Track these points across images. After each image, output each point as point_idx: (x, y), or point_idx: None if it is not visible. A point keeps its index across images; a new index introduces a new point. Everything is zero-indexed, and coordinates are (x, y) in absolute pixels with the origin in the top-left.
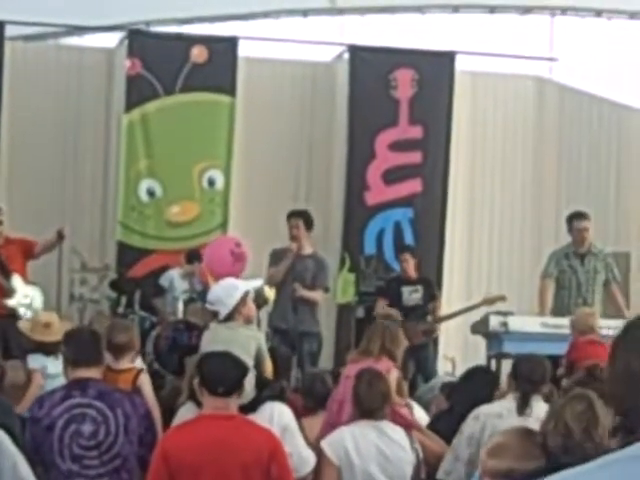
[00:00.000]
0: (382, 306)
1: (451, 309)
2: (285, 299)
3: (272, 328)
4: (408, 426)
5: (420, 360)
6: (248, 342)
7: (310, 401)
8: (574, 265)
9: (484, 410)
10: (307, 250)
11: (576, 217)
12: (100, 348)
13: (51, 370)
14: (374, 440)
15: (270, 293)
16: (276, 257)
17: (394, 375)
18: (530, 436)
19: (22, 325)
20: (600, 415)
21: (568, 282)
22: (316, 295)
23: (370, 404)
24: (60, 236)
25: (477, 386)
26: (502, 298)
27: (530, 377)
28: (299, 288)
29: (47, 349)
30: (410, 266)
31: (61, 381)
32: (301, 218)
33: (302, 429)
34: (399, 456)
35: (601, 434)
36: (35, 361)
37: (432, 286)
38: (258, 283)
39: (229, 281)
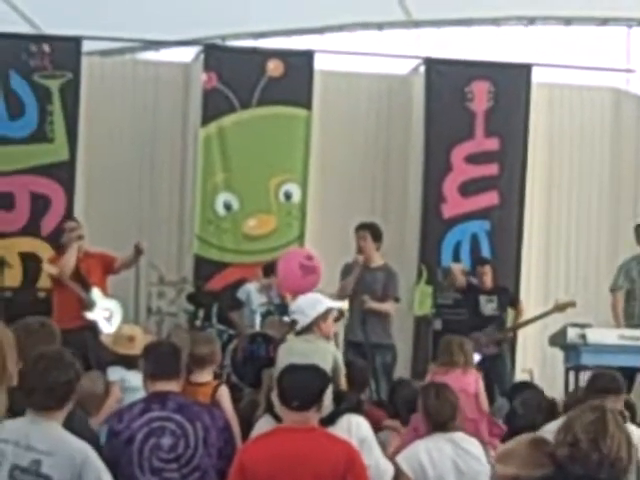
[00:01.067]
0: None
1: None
2: (355, 312)
3: (346, 341)
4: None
5: (496, 371)
6: (325, 355)
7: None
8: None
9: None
10: (376, 262)
11: None
12: (180, 361)
13: (131, 383)
14: (449, 453)
15: (345, 305)
16: (346, 270)
17: (481, 385)
18: (540, 445)
19: (105, 339)
20: (610, 426)
21: (638, 292)
22: (386, 306)
23: (440, 416)
24: (138, 250)
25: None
26: (572, 304)
27: (607, 390)
28: (367, 300)
29: (129, 362)
30: (489, 279)
31: (142, 394)
32: (368, 230)
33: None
34: (475, 469)
35: (609, 445)
36: (114, 373)
37: (509, 294)
38: (344, 304)
39: (315, 295)
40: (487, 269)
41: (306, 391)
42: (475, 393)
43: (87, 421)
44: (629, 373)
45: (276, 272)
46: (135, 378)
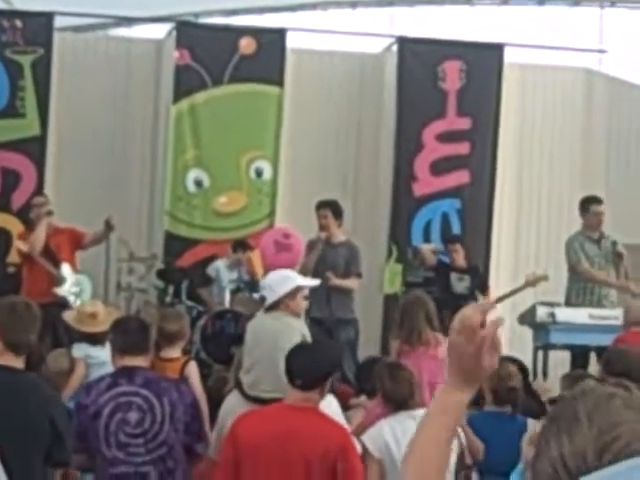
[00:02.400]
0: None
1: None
2: (319, 288)
3: (309, 318)
4: None
5: None
6: (292, 333)
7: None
8: (590, 250)
9: None
10: (339, 238)
11: (594, 201)
12: (148, 337)
13: (96, 359)
14: (413, 431)
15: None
16: (309, 247)
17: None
18: None
19: (67, 316)
20: None
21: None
22: (350, 283)
23: (398, 396)
24: (108, 226)
25: None
26: (545, 278)
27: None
28: (331, 277)
29: (93, 339)
30: (460, 256)
31: (107, 369)
32: (328, 208)
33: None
34: None
35: None
36: (79, 350)
37: (480, 276)
38: (315, 282)
39: (285, 272)
40: (457, 247)
41: (311, 371)
42: (444, 358)
43: (55, 396)
44: (598, 353)
45: (246, 248)
46: (100, 354)
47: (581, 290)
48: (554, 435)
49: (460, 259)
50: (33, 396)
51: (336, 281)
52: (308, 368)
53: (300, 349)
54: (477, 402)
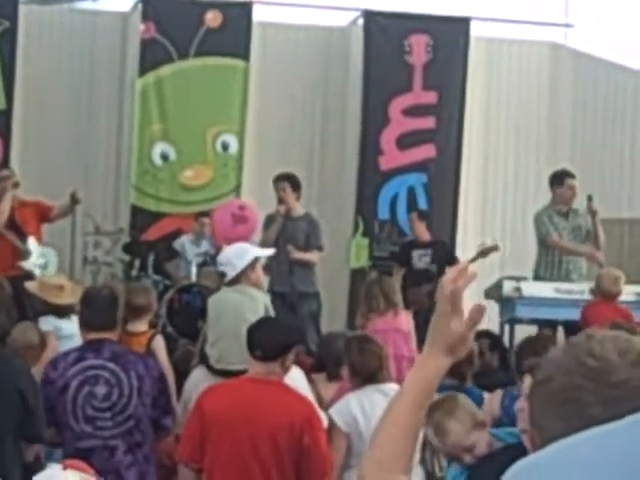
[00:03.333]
0: (399, 274)
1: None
2: (280, 262)
3: (272, 292)
4: None
5: (430, 322)
6: (256, 303)
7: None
8: (559, 223)
9: None
10: (298, 212)
11: (569, 175)
12: (116, 311)
13: (65, 331)
14: (380, 404)
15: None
16: (268, 221)
17: (411, 322)
18: None
19: (30, 286)
20: None
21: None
22: (311, 256)
23: (367, 369)
24: (74, 199)
25: None
26: (495, 248)
27: None
28: (292, 251)
29: (60, 311)
30: (419, 227)
31: (76, 341)
32: (286, 181)
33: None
34: None
35: None
36: (47, 323)
37: (446, 249)
38: (270, 252)
39: (241, 245)
40: (414, 216)
41: (271, 343)
42: (408, 332)
43: (23, 368)
44: (564, 326)
45: (207, 215)
46: (68, 326)
47: (549, 263)
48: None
49: (421, 230)
50: (2, 369)
51: (297, 254)
52: (267, 339)
53: (261, 322)
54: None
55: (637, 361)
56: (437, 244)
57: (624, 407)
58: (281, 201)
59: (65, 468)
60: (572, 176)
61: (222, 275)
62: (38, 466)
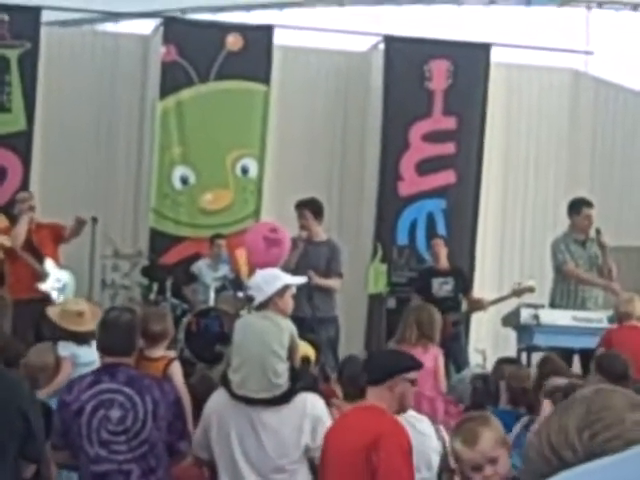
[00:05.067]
0: (416, 302)
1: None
2: (301, 288)
3: (291, 317)
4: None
5: (452, 351)
6: (282, 332)
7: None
8: (576, 252)
9: None
10: (320, 237)
11: (586, 204)
12: (135, 337)
13: (83, 359)
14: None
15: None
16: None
17: (441, 360)
18: None
19: (51, 312)
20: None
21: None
22: (332, 282)
23: None
24: (79, 222)
25: None
26: (531, 289)
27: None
28: (313, 276)
29: (79, 338)
30: (442, 253)
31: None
32: (307, 208)
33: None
34: (426, 445)
35: None
36: (65, 349)
37: (464, 277)
38: (302, 280)
39: (272, 271)
40: (440, 241)
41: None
42: (434, 370)
43: (28, 391)
44: (581, 355)
45: (222, 237)
46: (86, 354)
47: (565, 292)
48: (550, 417)
49: (442, 256)
50: (7, 392)
51: (318, 280)
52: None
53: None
54: (495, 401)
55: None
56: (455, 271)
57: None
58: (303, 227)
59: None
60: (589, 205)
61: (249, 299)
62: None
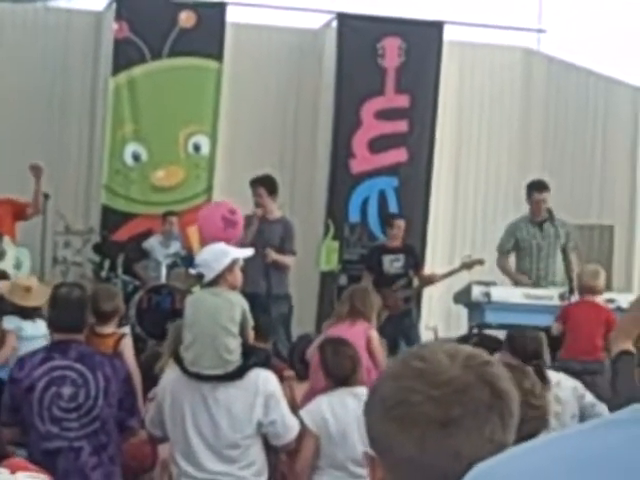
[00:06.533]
0: (368, 280)
1: None
2: (255, 264)
3: (243, 292)
4: None
5: (404, 327)
6: (233, 308)
7: (302, 367)
8: (532, 232)
9: None
10: (274, 215)
11: (536, 188)
12: (85, 313)
13: (27, 332)
14: (353, 407)
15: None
16: (245, 223)
17: (374, 335)
18: None
19: (2, 287)
20: None
21: (529, 248)
22: (287, 259)
23: (340, 371)
24: (36, 170)
25: None
26: (480, 262)
27: (525, 352)
28: (271, 253)
29: (25, 313)
30: (401, 233)
31: (38, 343)
32: (262, 185)
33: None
34: None
35: None
36: (10, 322)
37: (415, 254)
38: (249, 252)
39: (219, 246)
40: (402, 223)
41: None
42: (363, 344)
43: None
44: None
45: (174, 214)
46: (31, 328)
47: (523, 270)
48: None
49: (400, 236)
50: None
51: (275, 256)
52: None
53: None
54: None
55: (466, 363)
56: (407, 248)
57: (456, 407)
58: (258, 205)
59: (14, 472)
60: (540, 189)
61: (199, 277)
62: None
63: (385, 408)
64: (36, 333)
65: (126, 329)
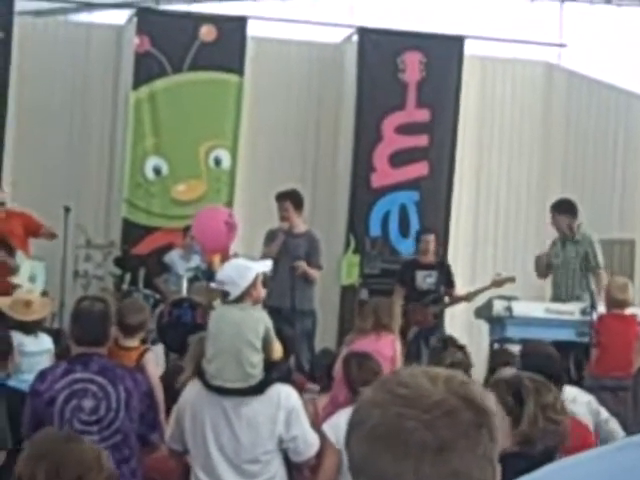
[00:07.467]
0: (400, 294)
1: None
2: (281, 278)
3: (268, 307)
4: None
5: (431, 342)
6: (257, 324)
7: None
8: (557, 252)
9: None
10: (300, 229)
11: (557, 210)
12: (108, 327)
13: (29, 348)
14: None
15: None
16: (269, 237)
17: (398, 348)
18: None
19: (1, 302)
20: None
21: (554, 268)
22: (314, 273)
23: (364, 386)
24: (52, 235)
25: None
26: (511, 280)
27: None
28: (302, 264)
29: (26, 328)
30: (431, 248)
31: (41, 359)
32: (288, 199)
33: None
34: None
35: None
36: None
37: (448, 271)
38: (269, 265)
39: (241, 261)
40: (432, 238)
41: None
42: (391, 357)
43: None
44: (555, 347)
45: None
46: (32, 343)
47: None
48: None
49: (432, 252)
50: None
51: (306, 268)
52: None
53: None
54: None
55: (447, 386)
56: (439, 265)
57: (447, 430)
58: (284, 219)
59: None
60: (558, 211)
61: (225, 295)
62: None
63: (376, 436)
64: (38, 349)
65: (148, 344)
